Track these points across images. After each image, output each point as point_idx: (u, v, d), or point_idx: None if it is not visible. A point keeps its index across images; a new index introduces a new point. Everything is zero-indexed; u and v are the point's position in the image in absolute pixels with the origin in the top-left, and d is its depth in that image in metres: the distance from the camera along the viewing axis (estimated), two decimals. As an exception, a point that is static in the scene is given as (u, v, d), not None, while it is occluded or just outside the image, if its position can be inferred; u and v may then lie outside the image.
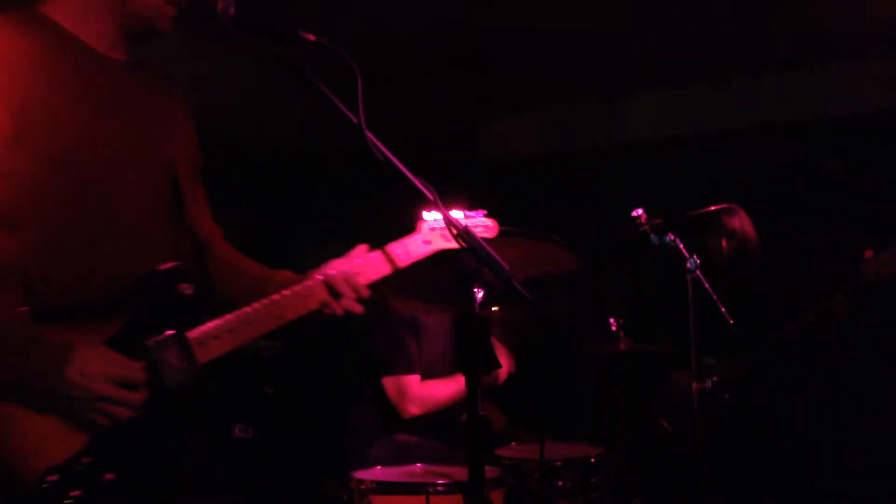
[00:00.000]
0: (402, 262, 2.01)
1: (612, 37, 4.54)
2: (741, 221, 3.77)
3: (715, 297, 2.98)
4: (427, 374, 3.33)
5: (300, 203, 7.05)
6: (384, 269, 1.99)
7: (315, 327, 2.31)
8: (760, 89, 5.25)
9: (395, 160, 1.70)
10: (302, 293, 1.86)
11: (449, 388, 3.28)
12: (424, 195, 1.73)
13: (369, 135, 1.68)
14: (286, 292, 1.84)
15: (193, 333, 1.71)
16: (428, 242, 2.07)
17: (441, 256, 2.15)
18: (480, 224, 2.23)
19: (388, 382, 3.25)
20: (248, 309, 1.79)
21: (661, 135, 5.51)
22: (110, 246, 1.68)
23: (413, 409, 3.24)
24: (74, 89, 1.68)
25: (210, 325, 1.73)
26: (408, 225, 2.14)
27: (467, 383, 1.89)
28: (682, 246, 2.98)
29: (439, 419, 3.32)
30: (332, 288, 1.90)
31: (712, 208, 3.11)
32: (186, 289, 1.71)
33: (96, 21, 1.74)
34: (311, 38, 1.70)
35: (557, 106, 5.82)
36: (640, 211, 3.04)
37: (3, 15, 1.67)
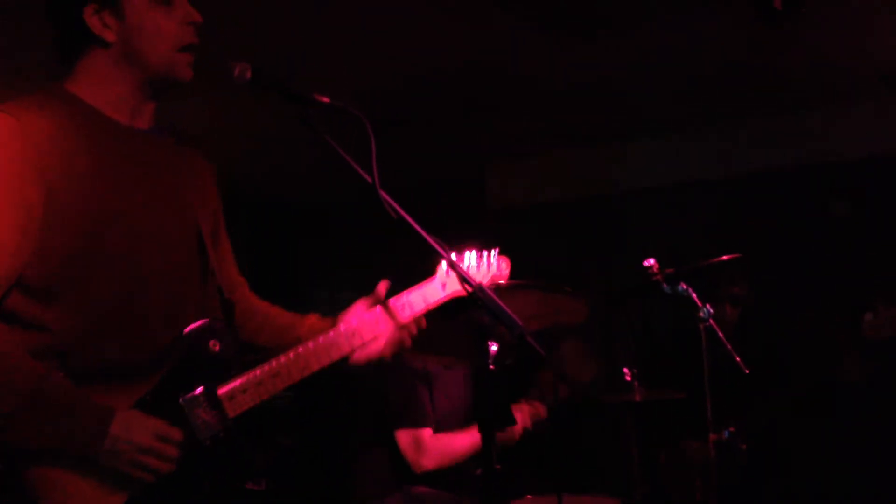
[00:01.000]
0: (419, 309, 2.03)
1: (621, 83, 4.59)
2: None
3: (729, 346, 2.97)
4: (441, 427, 3.30)
5: (312, 246, 7.09)
6: (403, 317, 2.02)
7: (327, 378, 2.33)
8: (767, 133, 5.29)
9: (408, 218, 1.72)
10: (325, 345, 1.89)
11: (463, 441, 3.25)
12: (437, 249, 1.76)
13: (383, 194, 1.70)
14: (310, 344, 1.88)
15: (223, 389, 1.76)
16: (445, 285, 2.10)
17: (454, 310, 2.16)
18: (494, 263, 2.22)
19: (402, 435, 3.23)
20: (273, 362, 1.84)
21: (671, 179, 5.53)
22: (142, 313, 1.72)
23: (427, 463, 3.21)
24: (101, 165, 1.71)
25: (238, 379, 1.79)
26: (421, 268, 2.16)
27: (482, 438, 1.89)
28: (694, 295, 2.98)
29: (453, 471, 3.29)
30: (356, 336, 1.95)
31: (725, 258, 3.10)
32: (214, 345, 1.77)
33: (117, 90, 1.77)
34: (326, 100, 1.73)
35: (566, 151, 5.86)
36: (651, 261, 3.04)
37: (30, 96, 1.71)
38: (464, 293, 2.05)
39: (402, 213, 1.72)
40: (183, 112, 4.65)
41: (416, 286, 2.07)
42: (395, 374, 3.29)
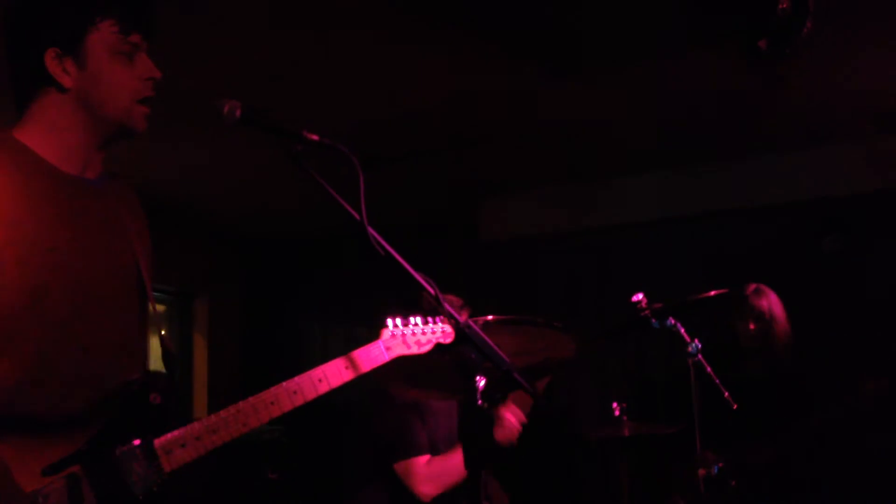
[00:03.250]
0: (364, 368, 2.08)
1: (613, 119, 4.63)
2: (769, 303, 3.77)
3: (717, 380, 2.98)
4: (433, 454, 3.30)
5: (303, 282, 7.08)
6: (347, 375, 2.05)
7: (319, 412, 2.33)
8: (759, 170, 5.33)
9: (396, 255, 1.73)
10: (266, 400, 1.89)
11: (458, 459, 3.22)
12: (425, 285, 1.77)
13: (371, 231, 1.71)
14: (252, 400, 1.88)
15: (160, 441, 1.74)
16: (389, 349, 2.17)
17: (443, 345, 2.18)
18: (439, 329, 2.31)
19: (400, 468, 3.22)
20: (213, 417, 1.82)
21: (663, 214, 5.57)
22: (84, 367, 1.71)
23: (429, 490, 3.20)
24: (47, 217, 1.70)
25: (176, 433, 1.76)
26: (407, 307, 2.18)
27: (470, 475, 1.90)
28: (682, 330, 2.99)
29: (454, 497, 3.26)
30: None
31: (712, 293, 3.13)
32: (155, 398, 1.76)
33: (68, 138, 1.75)
34: (315, 137, 1.74)
35: (559, 186, 5.89)
36: (640, 295, 3.06)
37: None
38: (405, 354, 2.20)
39: (390, 249, 1.73)
40: (171, 150, 4.71)
41: (361, 348, 2.11)
42: (384, 408, 3.28)
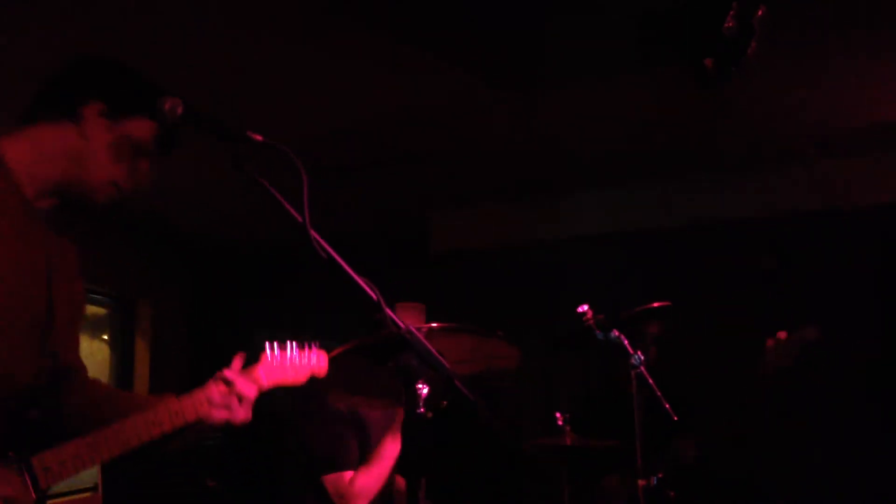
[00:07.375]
0: (242, 391, 2.01)
1: (561, 135, 4.67)
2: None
3: (658, 392, 3.01)
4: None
5: (251, 289, 7.00)
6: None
7: (256, 420, 2.28)
8: (699, 189, 5.44)
9: (338, 259, 1.72)
10: (149, 419, 1.86)
11: (381, 467, 3.18)
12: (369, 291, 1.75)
13: (313, 233, 1.69)
14: (132, 420, 1.84)
15: (37, 458, 1.70)
16: (269, 374, 2.09)
17: (385, 353, 2.16)
18: (315, 359, 2.21)
19: (328, 481, 3.18)
20: (91, 435, 1.79)
21: (607, 230, 5.64)
22: None
23: None
24: None
25: (55, 449, 1.73)
26: (357, 311, 2.16)
27: (408, 483, 1.89)
28: (626, 342, 3.02)
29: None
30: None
31: (655, 305, 3.16)
32: (34, 414, 1.74)
33: (42, 170, 1.78)
34: (259, 137, 1.72)
35: (508, 199, 5.93)
36: (585, 307, 3.08)
37: None
38: (284, 383, 2.11)
39: (333, 253, 1.71)
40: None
41: (246, 370, 2.05)
42: (318, 417, 3.22)
